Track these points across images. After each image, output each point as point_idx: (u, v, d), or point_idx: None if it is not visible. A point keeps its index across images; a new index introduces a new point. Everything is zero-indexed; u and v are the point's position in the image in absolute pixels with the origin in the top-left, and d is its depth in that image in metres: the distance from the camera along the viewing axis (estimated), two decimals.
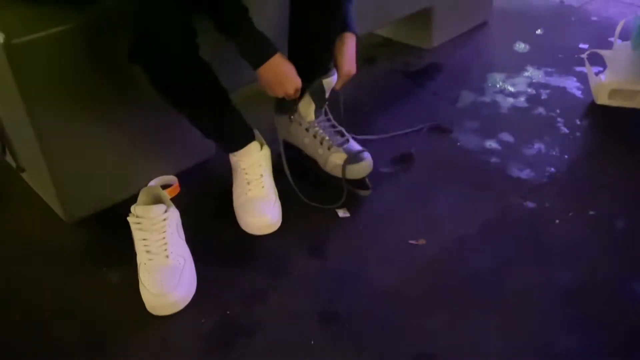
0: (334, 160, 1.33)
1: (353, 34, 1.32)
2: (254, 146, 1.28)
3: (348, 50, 1.31)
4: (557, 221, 1.27)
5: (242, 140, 1.27)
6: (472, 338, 1.04)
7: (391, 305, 1.10)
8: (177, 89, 1.14)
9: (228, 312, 1.10)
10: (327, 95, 1.33)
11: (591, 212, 1.29)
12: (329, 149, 1.34)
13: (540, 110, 1.66)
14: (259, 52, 1.18)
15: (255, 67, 1.19)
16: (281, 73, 1.21)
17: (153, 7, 1.03)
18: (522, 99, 1.71)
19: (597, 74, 1.68)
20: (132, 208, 1.13)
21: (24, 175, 1.42)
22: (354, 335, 1.05)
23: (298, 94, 1.26)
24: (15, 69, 1.08)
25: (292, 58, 1.30)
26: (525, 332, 1.04)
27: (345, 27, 1.31)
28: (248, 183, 1.27)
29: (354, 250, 1.22)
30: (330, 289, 1.14)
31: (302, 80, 1.27)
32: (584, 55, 1.71)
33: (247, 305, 1.11)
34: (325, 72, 1.30)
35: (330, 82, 1.30)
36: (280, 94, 1.25)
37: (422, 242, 1.23)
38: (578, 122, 1.60)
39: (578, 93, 1.73)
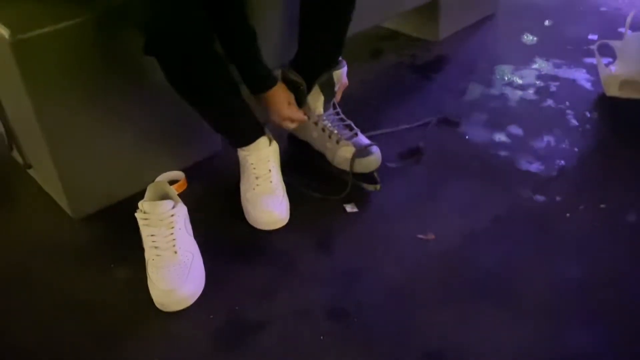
0: (342, 154, 1.32)
1: None
2: (263, 141, 1.27)
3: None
4: (567, 215, 1.26)
5: (252, 135, 1.26)
6: (482, 334, 1.03)
7: (400, 301, 1.09)
8: (191, 83, 1.14)
9: (237, 308, 1.09)
10: (336, 88, 1.32)
11: (602, 206, 1.28)
12: (337, 142, 1.33)
13: (550, 102, 1.64)
14: (261, 81, 1.24)
15: (254, 92, 1.26)
16: (273, 107, 1.27)
17: (168, 1, 1.02)
18: (531, 91, 1.69)
19: (607, 65, 1.66)
20: (140, 204, 1.13)
21: (30, 171, 1.41)
22: (363, 331, 1.04)
23: (293, 124, 1.32)
24: (22, 64, 1.07)
25: (303, 50, 1.30)
26: (536, 327, 1.03)
27: None
28: (256, 178, 1.27)
29: (363, 246, 1.22)
30: (338, 285, 1.13)
31: (313, 73, 1.28)
32: (594, 47, 1.69)
33: (256, 301, 1.11)
34: (336, 65, 1.29)
35: (340, 74, 1.30)
36: (279, 121, 1.31)
37: (431, 237, 1.22)
38: (588, 114, 1.58)
39: (588, 85, 1.71)
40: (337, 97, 1.38)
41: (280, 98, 1.27)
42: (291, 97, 1.30)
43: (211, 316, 1.08)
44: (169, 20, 1.03)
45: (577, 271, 1.13)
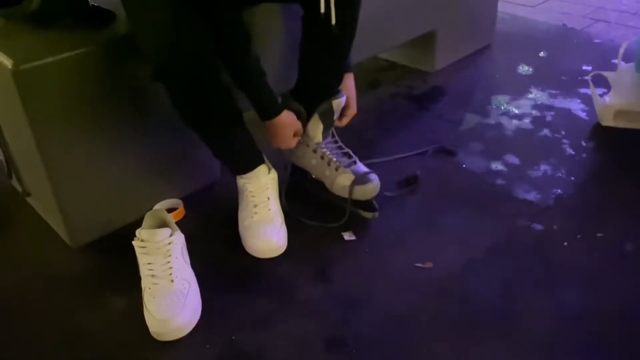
0: (341, 182, 1.33)
1: (352, 73, 1.39)
2: (262, 169, 1.28)
3: (353, 89, 1.39)
4: (565, 244, 1.26)
5: (251, 163, 1.27)
6: None
7: (398, 330, 1.08)
8: (196, 109, 1.16)
9: (233, 338, 1.08)
10: (335, 116, 1.33)
11: (599, 235, 1.28)
12: (336, 170, 1.34)
13: (546, 132, 1.66)
14: (267, 109, 1.24)
15: (262, 119, 1.26)
16: (283, 130, 1.27)
17: (175, 32, 1.04)
18: (527, 120, 1.71)
19: (601, 95, 1.68)
20: (137, 232, 1.13)
21: (29, 199, 1.42)
22: None
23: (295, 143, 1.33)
24: (23, 94, 1.09)
25: (303, 80, 1.32)
26: (534, 357, 1.02)
27: (347, 67, 1.36)
28: (254, 206, 1.27)
29: (360, 274, 1.21)
30: (336, 314, 1.12)
31: (312, 102, 1.30)
32: (588, 77, 1.72)
33: (253, 330, 1.10)
34: (335, 94, 1.31)
35: (340, 103, 1.31)
36: (279, 146, 1.31)
37: (428, 265, 1.22)
38: (584, 143, 1.60)
39: (583, 115, 1.73)
40: (343, 123, 1.40)
41: (288, 127, 1.28)
42: (298, 125, 1.31)
43: (207, 346, 1.07)
44: (177, 47, 1.05)
45: (574, 300, 1.13)
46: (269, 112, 1.24)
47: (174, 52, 1.05)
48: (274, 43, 1.39)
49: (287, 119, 1.27)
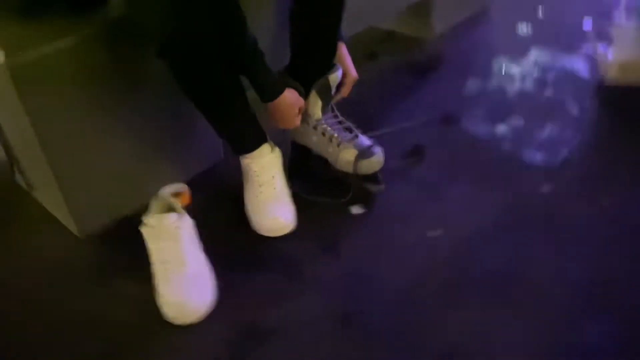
0: (344, 157, 1.32)
1: (343, 42, 1.36)
2: (265, 148, 1.27)
3: (347, 55, 1.36)
4: (573, 208, 1.25)
5: (255, 142, 1.26)
6: (492, 332, 1.02)
7: (409, 303, 1.09)
8: (201, 88, 1.14)
9: (245, 317, 1.09)
10: (333, 91, 1.32)
11: (606, 198, 1.27)
12: (338, 145, 1.32)
13: (549, 92, 1.63)
14: (269, 89, 1.22)
15: (264, 101, 1.23)
16: (288, 110, 1.25)
17: (180, 8, 1.03)
18: (530, 82, 1.68)
19: (604, 51, 1.65)
20: (145, 218, 1.13)
21: (34, 193, 1.41)
22: (374, 335, 1.04)
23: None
24: (19, 87, 1.07)
25: (297, 57, 1.29)
26: (546, 324, 1.02)
27: (339, 37, 1.33)
28: (260, 185, 1.26)
29: (369, 248, 1.21)
30: (347, 289, 1.13)
31: (308, 79, 1.27)
32: (589, 32, 1.68)
33: (264, 309, 1.10)
34: (331, 68, 1.29)
35: (336, 77, 1.29)
36: (284, 127, 1.30)
37: (439, 232, 1.21)
38: (587, 102, 1.58)
39: (586, 72, 1.70)
40: (346, 92, 1.38)
41: (292, 105, 1.25)
42: (302, 102, 1.28)
43: (220, 326, 1.08)
44: (182, 23, 1.03)
45: (585, 266, 1.12)
46: (271, 92, 1.22)
47: (179, 28, 1.03)
48: (265, 20, 1.36)
49: (291, 98, 1.25)
